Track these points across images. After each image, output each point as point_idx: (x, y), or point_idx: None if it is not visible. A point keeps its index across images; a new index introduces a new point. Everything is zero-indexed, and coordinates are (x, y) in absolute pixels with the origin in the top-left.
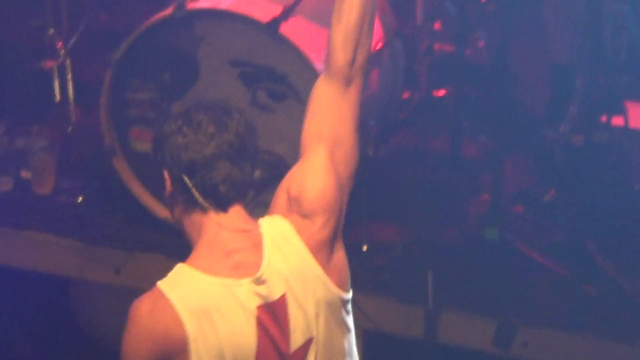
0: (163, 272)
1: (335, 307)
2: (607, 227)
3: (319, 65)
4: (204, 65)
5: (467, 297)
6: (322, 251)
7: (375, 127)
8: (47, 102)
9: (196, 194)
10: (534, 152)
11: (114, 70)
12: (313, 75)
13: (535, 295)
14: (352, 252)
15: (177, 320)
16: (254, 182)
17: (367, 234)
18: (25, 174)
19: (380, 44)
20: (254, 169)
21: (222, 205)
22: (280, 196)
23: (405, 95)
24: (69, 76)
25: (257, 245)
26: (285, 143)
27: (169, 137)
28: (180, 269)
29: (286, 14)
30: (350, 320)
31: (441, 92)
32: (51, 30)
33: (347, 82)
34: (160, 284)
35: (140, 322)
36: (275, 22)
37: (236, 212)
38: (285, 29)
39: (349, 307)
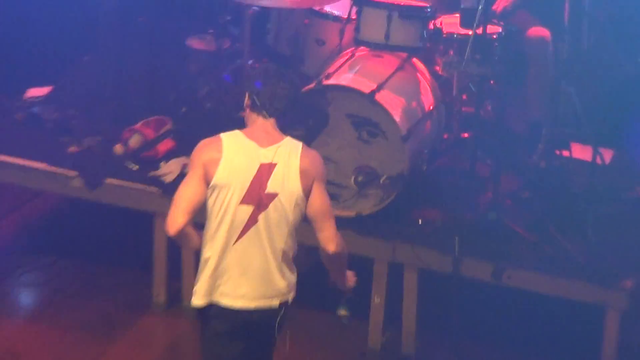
0: None
1: (292, 200)
2: (559, 213)
3: (396, 117)
4: (332, 116)
5: (478, 250)
6: (305, 179)
7: (426, 154)
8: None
9: (257, 104)
10: (519, 170)
11: (281, 120)
12: (392, 123)
13: (515, 250)
14: (413, 224)
15: (219, 149)
16: (285, 109)
17: (422, 214)
18: None
19: (431, 106)
20: (287, 103)
21: (265, 114)
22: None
23: (445, 136)
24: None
25: (277, 139)
26: (376, 161)
27: (253, 78)
28: (235, 131)
29: (379, 88)
30: (297, 217)
31: (465, 135)
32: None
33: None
34: (222, 134)
35: (203, 143)
36: (372, 93)
37: (271, 122)
38: (378, 96)
39: (298, 213)
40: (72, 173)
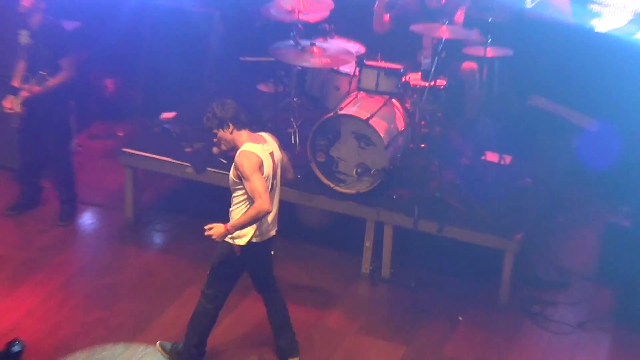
0: None
1: (281, 167)
2: (478, 192)
3: (381, 133)
4: (342, 133)
5: (429, 215)
6: (282, 152)
7: (399, 157)
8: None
9: (242, 123)
10: (454, 167)
11: (311, 137)
12: (379, 137)
13: (451, 215)
14: (390, 198)
15: (259, 156)
16: (245, 125)
17: (396, 192)
18: None
19: (402, 128)
20: (249, 122)
21: (247, 127)
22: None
23: (410, 145)
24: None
25: (265, 139)
26: (368, 160)
27: (226, 115)
28: (247, 144)
29: (372, 116)
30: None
31: (423, 145)
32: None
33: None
34: (250, 145)
35: (251, 154)
36: (367, 119)
37: (248, 130)
38: (371, 121)
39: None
40: (187, 164)
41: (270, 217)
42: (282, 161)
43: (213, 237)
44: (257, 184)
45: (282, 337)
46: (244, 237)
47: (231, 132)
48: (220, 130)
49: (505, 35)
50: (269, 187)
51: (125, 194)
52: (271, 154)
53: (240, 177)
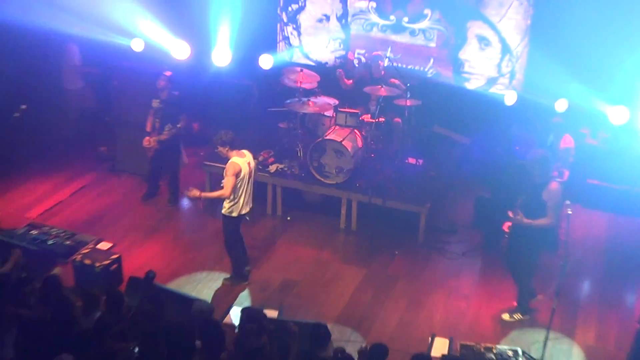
0: None
1: (253, 171)
2: (404, 181)
3: (349, 148)
4: (327, 149)
5: (377, 193)
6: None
7: (358, 162)
8: None
9: (233, 145)
10: (391, 166)
11: (310, 152)
12: (347, 151)
13: (389, 194)
14: (355, 186)
15: (240, 165)
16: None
17: (358, 182)
18: None
19: (360, 146)
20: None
21: (235, 148)
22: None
23: (365, 155)
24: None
25: (245, 154)
26: (342, 164)
27: (226, 140)
28: (234, 158)
29: (343, 139)
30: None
31: (372, 155)
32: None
33: None
34: (236, 159)
35: (236, 164)
36: (341, 141)
37: (234, 149)
38: (344, 142)
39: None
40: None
41: (242, 201)
42: (255, 167)
43: (189, 195)
44: (228, 182)
45: (247, 264)
46: (234, 212)
47: (226, 150)
48: (221, 147)
49: (416, 92)
50: (246, 183)
51: (205, 188)
52: (248, 163)
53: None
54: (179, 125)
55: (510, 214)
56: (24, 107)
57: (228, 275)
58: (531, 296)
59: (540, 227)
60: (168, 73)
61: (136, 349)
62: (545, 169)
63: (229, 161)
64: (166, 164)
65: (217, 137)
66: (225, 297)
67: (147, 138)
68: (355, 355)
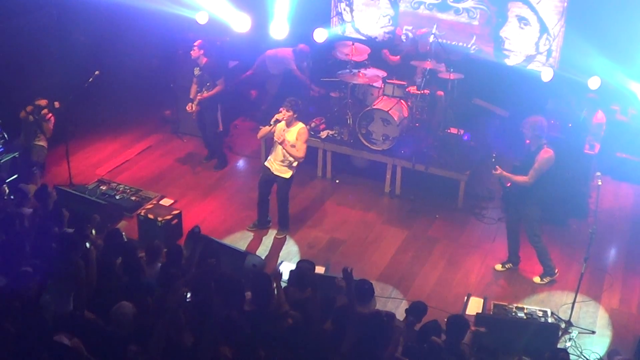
0: None
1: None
2: (442, 149)
3: (395, 117)
4: (374, 118)
5: (422, 161)
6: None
7: (404, 130)
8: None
9: (301, 113)
10: (435, 139)
11: (358, 120)
12: (393, 119)
13: (432, 161)
14: (400, 153)
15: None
16: None
17: (403, 150)
18: None
19: (406, 115)
20: None
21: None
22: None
23: (410, 124)
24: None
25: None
26: (388, 131)
27: (298, 107)
28: (300, 125)
29: (390, 109)
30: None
31: (417, 124)
32: None
33: None
34: (298, 125)
35: (307, 129)
36: (388, 110)
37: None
38: (390, 111)
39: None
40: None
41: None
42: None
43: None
44: (303, 147)
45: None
46: (293, 176)
47: (293, 116)
48: (291, 111)
49: (459, 67)
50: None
51: (260, 152)
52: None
53: (298, 139)
54: (214, 89)
55: (495, 171)
56: (97, 72)
57: (277, 231)
58: (545, 256)
59: (519, 184)
60: (198, 42)
61: (188, 295)
62: (536, 133)
63: (302, 128)
64: (205, 126)
65: (294, 101)
66: (276, 253)
67: (190, 104)
68: (397, 312)
